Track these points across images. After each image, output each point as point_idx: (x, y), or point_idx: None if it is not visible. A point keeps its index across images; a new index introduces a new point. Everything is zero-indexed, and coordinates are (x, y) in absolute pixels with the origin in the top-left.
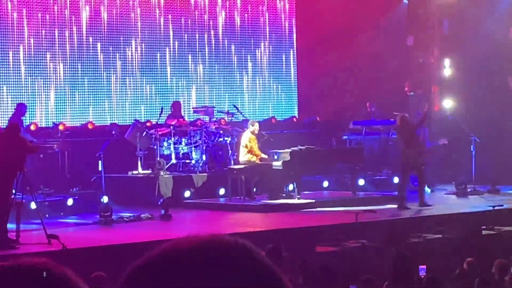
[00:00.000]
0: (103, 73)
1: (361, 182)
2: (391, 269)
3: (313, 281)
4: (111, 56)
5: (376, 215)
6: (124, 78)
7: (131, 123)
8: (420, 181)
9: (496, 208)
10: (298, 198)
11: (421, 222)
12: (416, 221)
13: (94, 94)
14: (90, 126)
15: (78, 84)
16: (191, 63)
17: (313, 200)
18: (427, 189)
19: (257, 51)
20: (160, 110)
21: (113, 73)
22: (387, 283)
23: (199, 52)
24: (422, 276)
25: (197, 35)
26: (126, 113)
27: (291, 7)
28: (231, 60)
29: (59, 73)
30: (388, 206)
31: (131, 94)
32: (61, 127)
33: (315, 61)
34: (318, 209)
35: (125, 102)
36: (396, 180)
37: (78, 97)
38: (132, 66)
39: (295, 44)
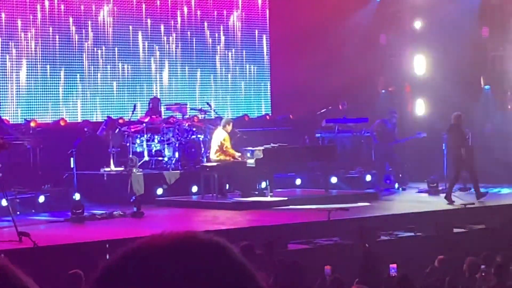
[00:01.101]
0: (76, 70)
1: (334, 180)
2: (362, 267)
3: (285, 279)
4: (84, 53)
5: (348, 213)
6: (96, 75)
7: (103, 120)
8: (474, 177)
9: (467, 206)
10: (271, 196)
11: (393, 220)
12: (388, 219)
13: (66, 91)
14: (62, 123)
15: (50, 80)
16: (166, 61)
17: (286, 198)
18: (396, 186)
19: (231, 49)
20: (133, 107)
21: (86, 70)
22: (357, 280)
23: (173, 50)
24: (393, 275)
25: (173, 34)
26: (99, 110)
27: (264, 5)
28: (205, 57)
29: (31, 69)
30: (360, 204)
31: (103, 91)
32: (32, 124)
33: (288, 59)
34: (291, 206)
35: (98, 99)
36: (368, 178)
37: (51, 94)
38: (105, 63)
39: (267, 42)
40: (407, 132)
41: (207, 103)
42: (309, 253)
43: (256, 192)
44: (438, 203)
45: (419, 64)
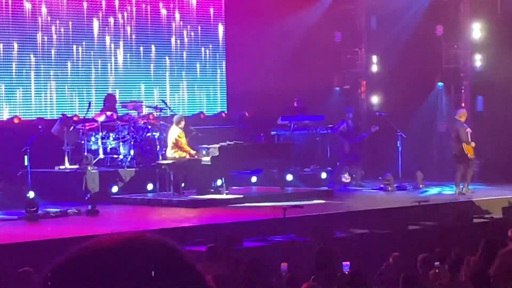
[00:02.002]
0: (30, 67)
1: (289, 177)
2: (316, 264)
3: (242, 277)
4: (38, 50)
5: (304, 210)
6: (49, 72)
7: (58, 118)
8: (469, 172)
9: (421, 203)
10: (226, 193)
11: (348, 217)
12: (343, 216)
13: (20, 89)
14: (16, 121)
15: (4, 77)
16: (120, 57)
17: (241, 195)
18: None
19: (187, 48)
20: (87, 105)
21: (40, 67)
22: (313, 278)
23: (128, 46)
24: (346, 272)
25: (128, 28)
26: (53, 107)
27: (219, 6)
28: (160, 55)
29: None
30: (315, 201)
31: (58, 88)
32: None
33: (244, 56)
34: (246, 204)
35: (52, 96)
36: (324, 175)
37: (4, 91)
38: (59, 60)
39: (223, 39)
40: (362, 129)
41: (163, 101)
42: (265, 250)
43: (212, 190)
44: (393, 200)
45: (374, 62)
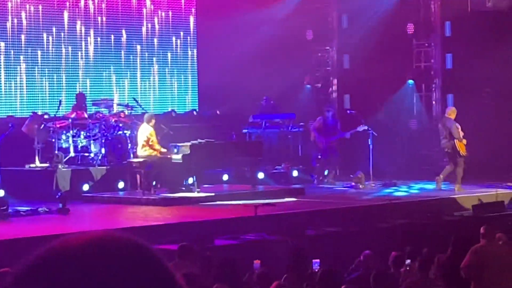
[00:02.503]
0: (0, 65)
1: (261, 175)
2: (289, 262)
3: (214, 275)
4: (9, 48)
5: (275, 208)
6: (19, 69)
7: (28, 116)
8: (459, 171)
9: (392, 201)
10: (198, 192)
11: (320, 215)
12: (314, 214)
13: None
14: None
15: None
16: (91, 55)
17: (213, 194)
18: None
19: (158, 48)
20: (58, 103)
21: (11, 65)
22: (286, 276)
23: (99, 44)
24: (316, 270)
25: (99, 18)
26: (24, 105)
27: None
28: (131, 52)
29: None
30: (287, 199)
31: (29, 86)
32: None
33: (216, 55)
34: (218, 202)
35: (23, 94)
36: (295, 173)
37: None
38: (29, 58)
39: (193, 34)
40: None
41: (134, 99)
42: (236, 248)
43: (183, 188)
44: (364, 198)
45: (346, 60)
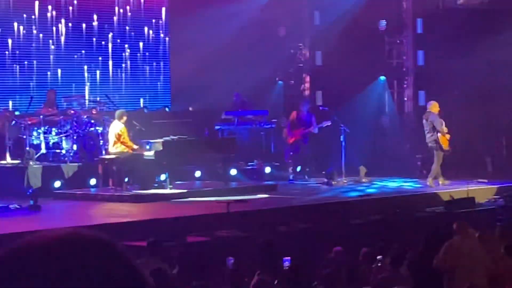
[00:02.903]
0: None
1: (233, 172)
2: (259, 259)
3: (187, 271)
4: None
5: (248, 205)
6: None
7: None
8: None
9: (364, 197)
10: (170, 188)
11: (292, 212)
12: (287, 211)
13: None
14: None
15: None
16: (63, 52)
17: (185, 190)
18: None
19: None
20: (29, 100)
21: None
22: (258, 272)
23: (72, 41)
24: (287, 267)
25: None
26: None
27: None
28: (104, 49)
29: None
30: (259, 196)
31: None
32: None
33: (188, 52)
34: (190, 199)
35: None
36: (268, 170)
37: None
38: (2, 55)
39: (165, 28)
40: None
41: (106, 95)
42: (209, 245)
43: (156, 185)
44: (336, 194)
45: (318, 57)
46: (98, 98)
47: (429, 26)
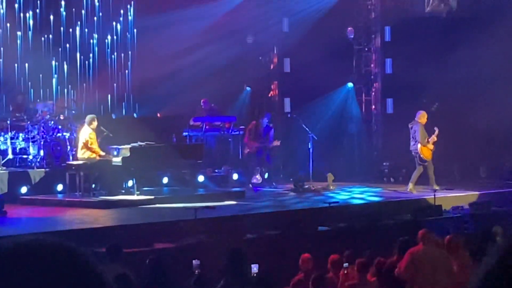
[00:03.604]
0: None
1: (201, 178)
2: (227, 266)
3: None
4: None
5: (215, 212)
6: None
7: None
8: (416, 173)
9: (332, 205)
10: (138, 194)
11: (259, 218)
12: (254, 217)
13: None
14: None
15: None
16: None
17: (152, 196)
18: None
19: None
20: None
21: None
22: (224, 279)
23: (41, 45)
24: (254, 274)
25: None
26: None
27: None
28: (72, 55)
29: None
30: (227, 203)
31: None
32: None
33: (154, 57)
34: (157, 205)
35: None
36: (235, 176)
37: None
38: None
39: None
40: (279, 130)
41: (74, 100)
42: (175, 251)
43: (123, 191)
44: (304, 201)
45: (287, 63)
46: (66, 104)
47: (397, 34)
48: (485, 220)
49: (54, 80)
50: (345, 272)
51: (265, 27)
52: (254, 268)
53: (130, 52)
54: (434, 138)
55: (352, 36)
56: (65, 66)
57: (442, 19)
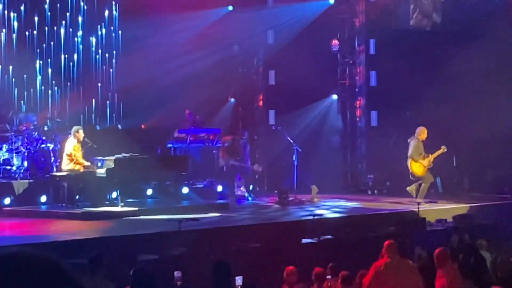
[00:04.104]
0: None
1: (185, 190)
2: (211, 278)
3: None
4: None
5: (199, 223)
6: None
7: None
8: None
9: (316, 217)
10: (121, 206)
11: (244, 230)
12: (238, 229)
13: None
14: None
15: None
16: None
17: (136, 208)
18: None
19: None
20: None
21: None
22: None
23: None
24: (239, 287)
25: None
26: None
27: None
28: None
29: None
30: (211, 215)
31: None
32: None
33: (138, 67)
34: (141, 217)
35: None
36: (220, 188)
37: None
38: None
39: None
40: (261, 143)
41: (58, 112)
42: (159, 263)
43: (107, 202)
44: (288, 214)
45: (272, 75)
46: (49, 115)
47: (381, 47)
48: (469, 233)
49: (38, 88)
50: (329, 284)
51: (250, 39)
52: (239, 280)
53: (114, 61)
54: (434, 155)
55: (337, 49)
56: (49, 74)
57: (426, 32)
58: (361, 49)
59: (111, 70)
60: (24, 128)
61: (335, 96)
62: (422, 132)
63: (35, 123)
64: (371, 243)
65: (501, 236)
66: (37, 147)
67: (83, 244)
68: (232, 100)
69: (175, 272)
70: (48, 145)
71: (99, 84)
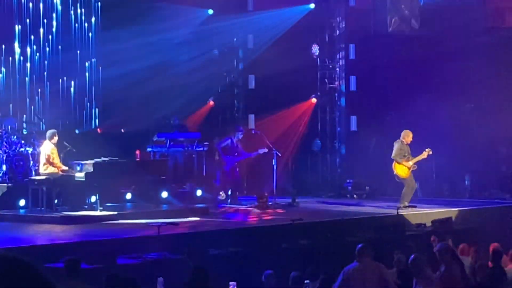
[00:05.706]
0: None
1: (164, 194)
2: (190, 283)
3: None
4: None
5: (179, 228)
6: None
7: None
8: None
9: (295, 222)
10: (100, 210)
11: (223, 235)
12: (218, 234)
13: None
14: None
15: None
16: None
17: (116, 212)
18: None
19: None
20: None
21: None
22: None
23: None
24: None
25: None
26: None
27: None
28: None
29: None
30: (190, 219)
31: None
32: None
33: (117, 71)
34: (120, 221)
35: None
36: (199, 193)
37: None
38: None
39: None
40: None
41: (36, 116)
42: (139, 268)
43: (86, 206)
44: (267, 218)
45: (252, 80)
46: (28, 118)
47: (361, 51)
48: (447, 237)
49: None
50: None
51: (230, 43)
52: (232, 286)
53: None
54: (417, 158)
55: (317, 53)
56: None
57: (405, 37)
58: (341, 54)
59: (86, 74)
60: (2, 131)
61: (314, 100)
62: (406, 135)
63: (14, 126)
64: (350, 248)
65: (482, 240)
66: (16, 150)
67: (62, 248)
68: (212, 103)
69: (159, 279)
70: (27, 149)
71: (74, 86)
